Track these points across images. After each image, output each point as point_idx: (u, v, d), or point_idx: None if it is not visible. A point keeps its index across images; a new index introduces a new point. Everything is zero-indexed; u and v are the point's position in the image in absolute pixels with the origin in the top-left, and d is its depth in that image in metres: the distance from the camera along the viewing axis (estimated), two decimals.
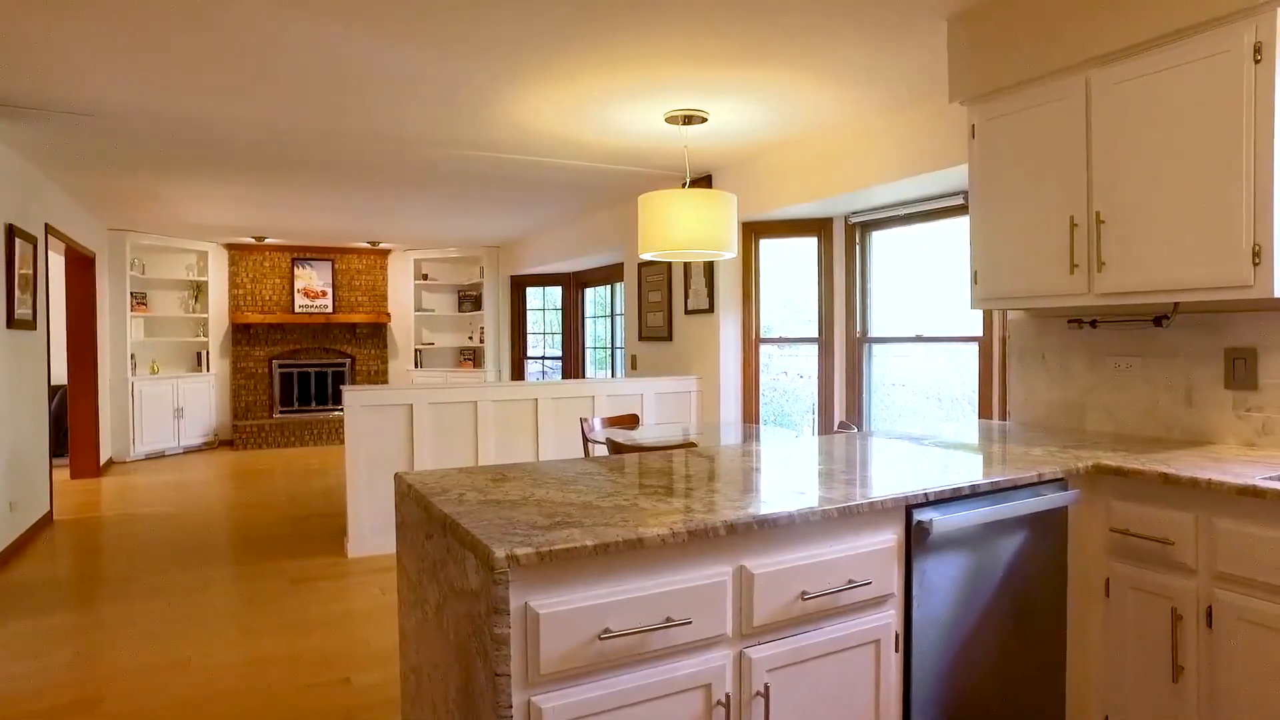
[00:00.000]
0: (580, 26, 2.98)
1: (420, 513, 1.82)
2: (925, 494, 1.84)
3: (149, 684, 2.92)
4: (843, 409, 5.07)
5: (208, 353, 9.19)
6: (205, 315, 9.17)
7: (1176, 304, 2.54)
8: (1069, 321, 2.93)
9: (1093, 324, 2.86)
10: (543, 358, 9.61)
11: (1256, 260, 2.08)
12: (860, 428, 4.95)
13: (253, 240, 9.15)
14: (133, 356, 8.28)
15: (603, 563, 1.44)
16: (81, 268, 7.10)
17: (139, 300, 8.60)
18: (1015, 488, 2.03)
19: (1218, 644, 1.91)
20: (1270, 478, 1.91)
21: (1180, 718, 1.98)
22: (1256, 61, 2.04)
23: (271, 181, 5.77)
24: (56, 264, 7.61)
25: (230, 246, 9.38)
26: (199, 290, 9.22)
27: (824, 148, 4.56)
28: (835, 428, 4.90)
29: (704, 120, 4.12)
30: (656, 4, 2.78)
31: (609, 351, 8.44)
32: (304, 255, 9.75)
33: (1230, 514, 1.89)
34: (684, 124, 4.14)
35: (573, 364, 9.07)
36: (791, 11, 2.85)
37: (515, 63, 3.35)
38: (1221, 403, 2.49)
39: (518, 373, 9.70)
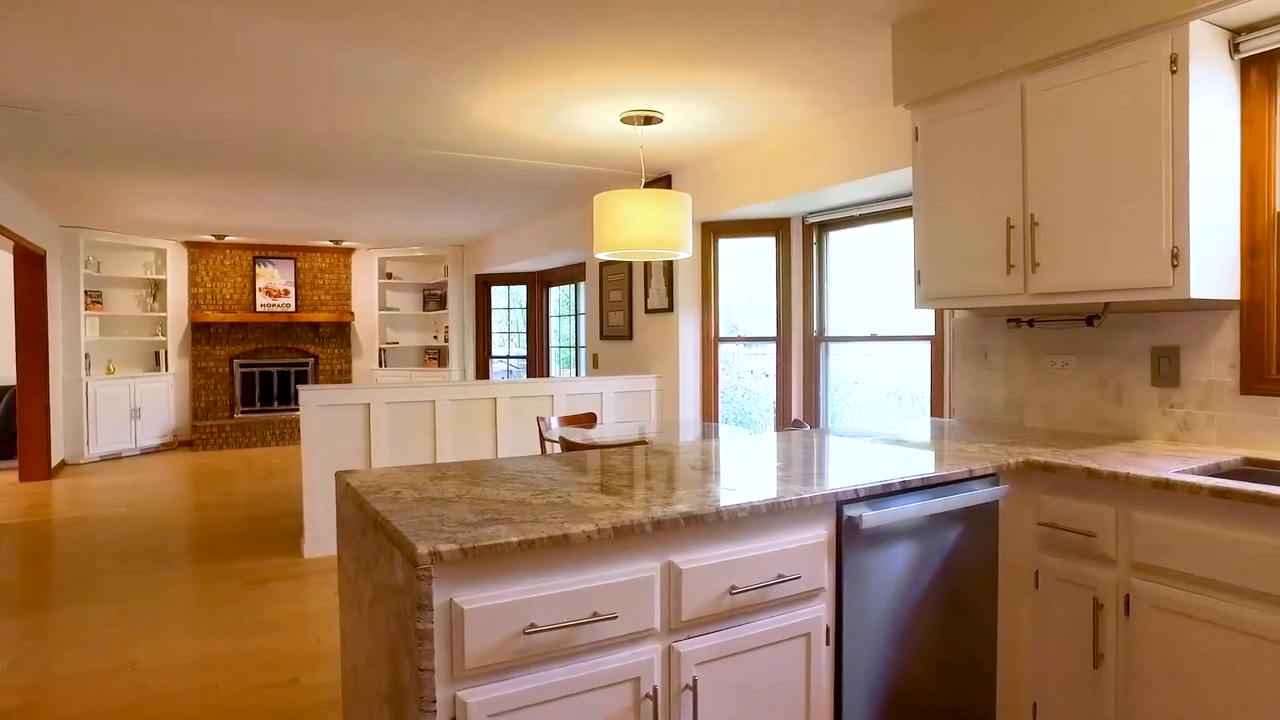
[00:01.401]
0: (534, 26, 2.99)
1: (356, 510, 1.82)
2: (856, 490, 1.89)
3: (91, 689, 2.89)
4: (800, 407, 5.14)
5: (166, 352, 9.03)
6: (164, 314, 9.01)
7: (1107, 304, 2.63)
8: (1008, 321, 3.01)
9: (1030, 323, 2.94)
10: (508, 356, 9.59)
11: (1175, 262, 2.16)
12: (816, 425, 5.02)
13: (213, 238, 9.02)
14: (87, 356, 8.11)
15: (529, 559, 1.46)
16: (31, 265, 6.95)
17: (94, 299, 8.43)
18: (946, 483, 2.09)
19: (1134, 631, 1.98)
20: (1183, 471, 1.99)
21: (1100, 702, 2.06)
22: (1173, 72, 2.12)
23: (230, 179, 5.69)
24: (4, 261, 7.44)
25: (189, 244, 9.23)
26: (157, 288, 9.06)
27: (779, 149, 4.62)
28: (788, 426, 4.96)
29: (659, 121, 4.16)
30: (609, 4, 2.81)
31: (573, 350, 8.45)
32: (266, 254, 9.63)
33: (1146, 506, 1.96)
34: (643, 124, 4.17)
35: (537, 363, 9.06)
36: (742, 15, 2.89)
37: (470, 61, 3.36)
38: (1148, 400, 2.58)
39: (483, 372, 9.67)
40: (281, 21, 2.91)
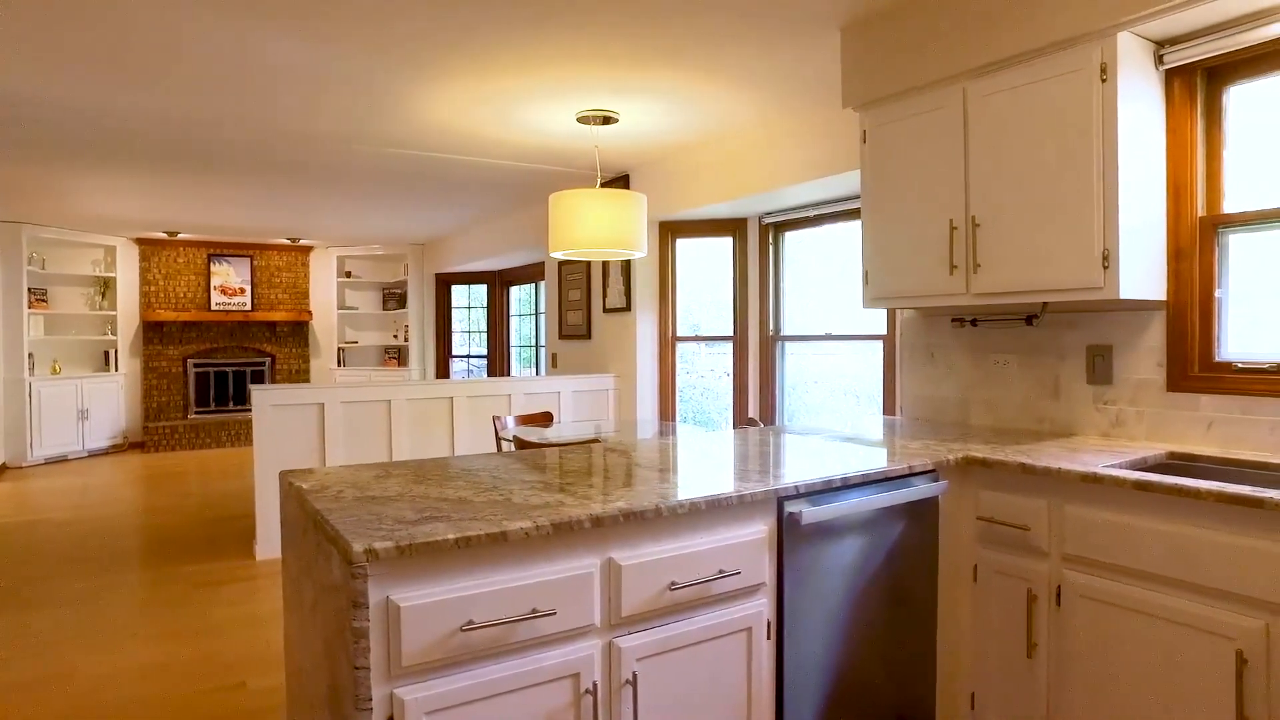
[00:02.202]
0: (485, 25, 2.98)
1: (298, 510, 1.81)
2: (796, 486, 1.92)
3: (25, 699, 2.81)
4: (757, 406, 5.19)
5: (116, 352, 8.80)
6: (113, 312, 8.79)
7: (1045, 304, 2.70)
8: (953, 320, 3.08)
9: (973, 323, 3.01)
10: (468, 356, 9.53)
11: (1106, 264, 2.23)
12: (773, 423, 5.08)
13: (165, 235, 8.82)
14: (30, 355, 7.88)
15: (466, 556, 1.46)
16: None
17: (38, 296, 8.18)
18: (886, 479, 2.14)
19: (1064, 621, 2.05)
20: (1111, 465, 2.07)
21: (1033, 689, 2.12)
22: (1103, 80, 2.20)
23: (181, 175, 5.57)
24: None
25: (141, 241, 9.01)
26: (106, 286, 8.83)
27: (734, 150, 4.67)
28: (743, 424, 5.01)
29: (615, 120, 4.17)
30: (563, 4, 2.81)
31: (533, 350, 8.43)
32: (221, 251, 9.44)
33: (1076, 500, 2.03)
34: (601, 124, 4.18)
35: (498, 362, 9.02)
36: (695, 17, 2.92)
37: (424, 60, 3.34)
38: (1084, 397, 2.66)
39: (443, 371, 9.60)
40: (226, 17, 2.87)
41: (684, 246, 5.52)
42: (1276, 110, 2.25)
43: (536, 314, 8.36)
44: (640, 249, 3.89)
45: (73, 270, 8.53)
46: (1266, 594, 1.66)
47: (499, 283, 9.03)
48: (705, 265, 5.54)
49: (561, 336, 6.48)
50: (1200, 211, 2.33)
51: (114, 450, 8.69)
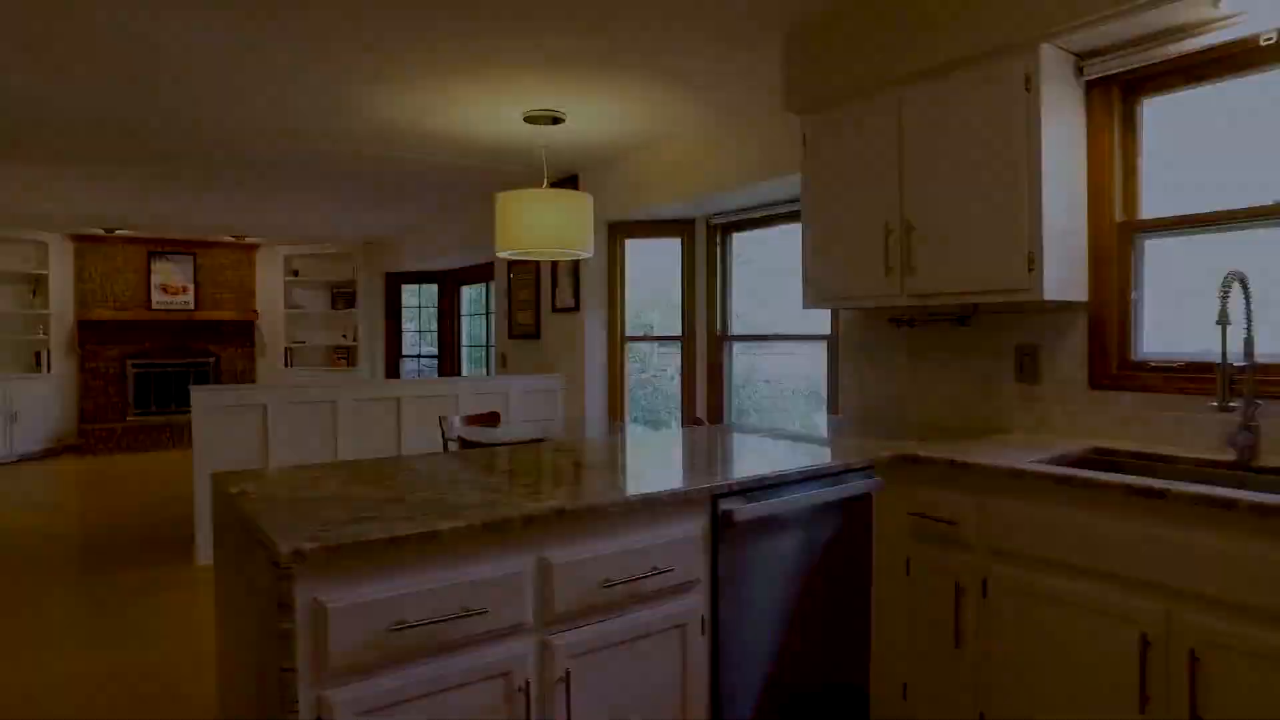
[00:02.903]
0: (426, 20, 2.96)
1: (228, 512, 1.78)
2: (729, 484, 1.95)
3: None
4: (704, 405, 5.24)
5: (48, 352, 8.49)
6: (46, 311, 8.48)
7: (976, 305, 2.79)
8: (890, 321, 3.16)
9: (910, 323, 3.09)
10: (419, 356, 9.42)
11: (1031, 266, 2.32)
12: (722, 423, 5.13)
13: (103, 232, 8.53)
14: None
15: (396, 556, 1.46)
16: None
17: None
18: (820, 476, 2.18)
19: (990, 612, 2.12)
20: (1034, 461, 2.15)
21: (960, 679, 2.19)
22: (1027, 90, 2.28)
23: (115, 170, 5.40)
24: None
25: (76, 238, 8.70)
26: (38, 284, 8.51)
27: (682, 151, 4.70)
28: (690, 423, 5.06)
29: (563, 121, 4.17)
30: (508, 6, 2.81)
31: (484, 350, 8.38)
32: (162, 249, 9.18)
33: (1002, 495, 2.10)
34: (549, 124, 4.18)
35: (449, 362, 8.94)
36: (639, 20, 2.94)
37: (370, 56, 3.29)
38: (1012, 395, 2.75)
39: (393, 371, 9.47)
40: (158, 5, 2.79)
41: (634, 247, 5.54)
42: (1184, 124, 2.37)
43: (487, 314, 8.30)
44: (587, 249, 3.90)
45: (1, 267, 8.21)
46: (1168, 580, 1.75)
47: (450, 282, 8.94)
48: (656, 266, 5.56)
49: (511, 336, 6.45)
50: (1118, 217, 2.43)
51: (47, 454, 8.38)
